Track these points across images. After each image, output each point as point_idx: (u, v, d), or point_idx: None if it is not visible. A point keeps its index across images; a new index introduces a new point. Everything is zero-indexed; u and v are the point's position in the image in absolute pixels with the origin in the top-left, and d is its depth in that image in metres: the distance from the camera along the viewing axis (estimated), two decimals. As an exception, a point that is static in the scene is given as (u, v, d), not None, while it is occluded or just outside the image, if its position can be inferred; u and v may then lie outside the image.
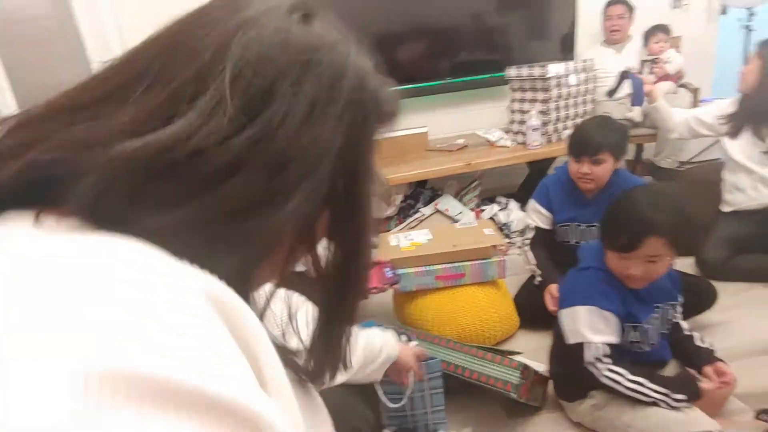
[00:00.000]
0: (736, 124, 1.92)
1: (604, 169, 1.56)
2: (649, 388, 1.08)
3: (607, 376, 1.10)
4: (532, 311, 1.68)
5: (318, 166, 0.34)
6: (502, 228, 2.54)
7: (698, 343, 1.23)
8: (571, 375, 1.21)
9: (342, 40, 0.38)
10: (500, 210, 2.65)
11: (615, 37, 2.90)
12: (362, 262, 0.41)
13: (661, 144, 2.74)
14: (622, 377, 1.09)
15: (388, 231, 2.62)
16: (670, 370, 1.25)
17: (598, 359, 1.11)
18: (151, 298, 0.23)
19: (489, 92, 3.08)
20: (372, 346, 0.89)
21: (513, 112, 2.69)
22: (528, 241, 1.83)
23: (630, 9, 2.85)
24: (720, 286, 1.84)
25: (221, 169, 0.30)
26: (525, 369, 1.23)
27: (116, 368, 0.20)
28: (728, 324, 1.63)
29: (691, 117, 2.12)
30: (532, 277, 1.77)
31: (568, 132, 2.58)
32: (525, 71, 2.51)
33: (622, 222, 1.10)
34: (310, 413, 0.42)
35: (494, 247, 1.63)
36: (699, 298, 1.58)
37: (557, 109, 2.53)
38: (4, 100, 1.80)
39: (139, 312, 0.22)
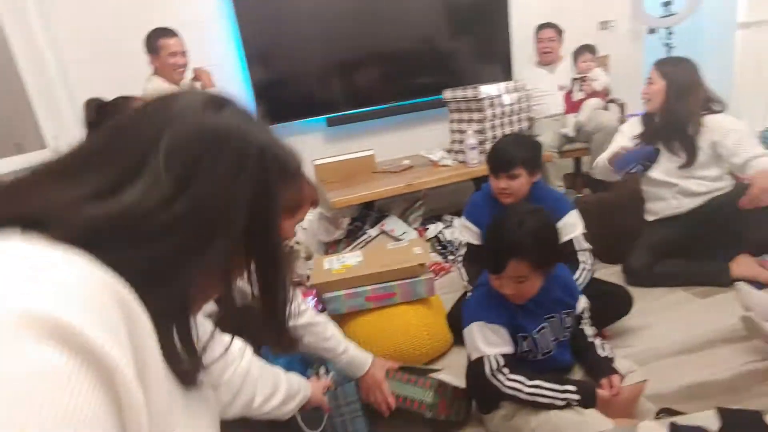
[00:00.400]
0: (647, 143, 2.01)
1: (520, 183, 1.64)
2: (546, 388, 1.13)
3: (508, 386, 1.14)
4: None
5: (232, 224, 0.45)
6: (446, 246, 2.60)
7: (599, 351, 1.27)
8: (482, 388, 1.25)
9: (246, 121, 0.50)
10: (445, 228, 2.71)
11: (547, 59, 3.05)
12: (279, 296, 0.53)
13: (595, 156, 2.85)
14: (521, 384, 1.14)
15: (336, 253, 2.65)
16: (575, 375, 1.30)
17: (498, 370, 1.15)
18: (66, 278, 0.33)
19: (434, 114, 3.18)
20: (291, 388, 0.97)
21: (453, 132, 2.78)
22: (461, 258, 1.87)
23: (559, 32, 3.01)
24: (643, 292, 1.95)
25: (160, 226, 0.41)
26: (440, 386, 1.27)
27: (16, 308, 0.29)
28: (646, 328, 1.71)
29: (607, 156, 2.10)
30: (465, 293, 1.82)
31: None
32: (459, 93, 2.62)
33: (490, 245, 1.18)
34: (188, 413, 0.50)
35: (422, 265, 1.68)
36: (615, 306, 1.66)
37: (493, 127, 2.63)
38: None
39: (51, 279, 0.32)
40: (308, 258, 2.39)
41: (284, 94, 2.99)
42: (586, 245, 1.68)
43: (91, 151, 0.45)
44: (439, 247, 2.62)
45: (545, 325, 1.22)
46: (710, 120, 1.89)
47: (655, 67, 1.98)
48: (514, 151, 1.63)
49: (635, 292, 1.93)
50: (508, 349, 1.17)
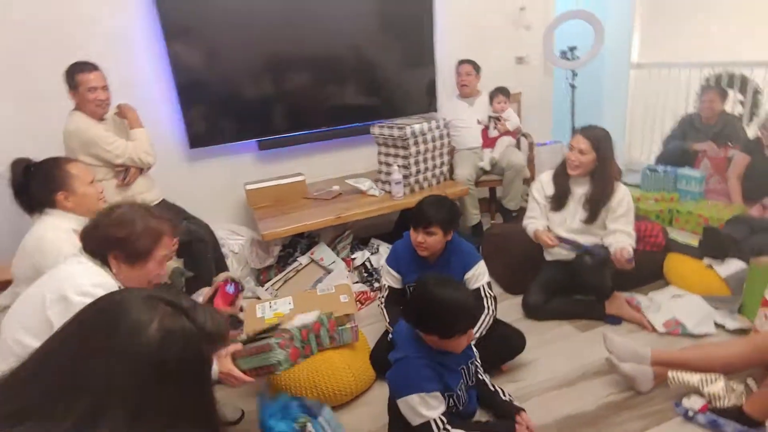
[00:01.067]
0: (559, 203, 2.29)
1: (434, 239, 1.85)
2: None
3: None
4: (387, 365, 1.92)
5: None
6: (372, 273, 2.80)
7: (503, 397, 1.57)
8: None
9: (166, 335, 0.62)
10: (371, 254, 2.90)
11: (465, 92, 3.31)
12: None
13: (506, 189, 3.19)
14: None
15: (269, 281, 2.76)
16: (478, 418, 1.57)
17: (444, 429, 1.36)
18: None
19: (363, 139, 3.33)
20: None
21: (380, 163, 2.96)
22: (383, 299, 2.06)
23: (476, 68, 3.27)
24: (537, 325, 2.28)
25: None
26: (282, 340, 1.42)
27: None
28: (535, 362, 2.02)
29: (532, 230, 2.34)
30: (387, 332, 2.02)
31: (428, 182, 2.94)
32: (386, 131, 2.79)
33: (466, 312, 1.37)
34: None
35: (347, 315, 1.86)
36: (512, 346, 1.95)
37: (417, 162, 2.85)
38: None
39: None
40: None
41: (215, 118, 2.98)
42: (491, 293, 1.94)
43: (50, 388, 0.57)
44: (366, 274, 2.81)
45: (462, 379, 1.46)
46: (617, 187, 2.20)
47: (583, 136, 2.15)
48: (433, 212, 1.84)
49: (531, 325, 2.28)
50: (443, 407, 1.39)
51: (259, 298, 2.65)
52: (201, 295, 2.19)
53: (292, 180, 3.03)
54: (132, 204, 1.35)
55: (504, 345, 1.93)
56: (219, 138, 3.03)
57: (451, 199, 1.97)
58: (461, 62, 3.29)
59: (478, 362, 1.63)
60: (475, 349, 1.64)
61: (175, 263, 2.28)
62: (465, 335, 1.38)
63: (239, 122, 3.06)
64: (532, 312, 2.33)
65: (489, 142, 3.24)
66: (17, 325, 1.24)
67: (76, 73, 2.18)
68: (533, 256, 2.49)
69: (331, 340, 1.58)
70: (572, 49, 3.59)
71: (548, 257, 2.41)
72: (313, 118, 3.26)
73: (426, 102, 3.50)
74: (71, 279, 1.21)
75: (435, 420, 1.36)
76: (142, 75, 2.78)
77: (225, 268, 2.66)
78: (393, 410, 1.51)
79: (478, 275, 1.93)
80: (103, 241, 1.26)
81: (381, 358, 1.95)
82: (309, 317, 1.55)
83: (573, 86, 3.69)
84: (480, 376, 1.62)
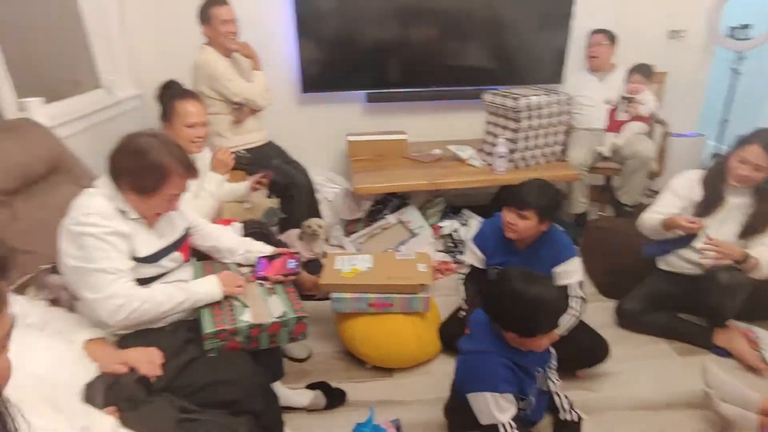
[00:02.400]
0: (707, 210, 1.93)
1: (526, 225, 1.70)
2: None
3: None
4: (453, 340, 1.88)
5: None
6: (458, 245, 2.72)
7: (563, 415, 1.45)
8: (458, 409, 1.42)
9: None
10: (461, 225, 2.81)
11: (594, 63, 2.96)
12: None
13: (624, 180, 2.85)
14: None
15: (355, 233, 2.82)
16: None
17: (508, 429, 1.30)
18: None
19: (475, 104, 3.16)
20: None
21: (487, 133, 2.80)
22: (463, 276, 1.99)
23: (611, 38, 2.89)
24: (627, 335, 2.07)
25: None
26: (223, 334, 1.30)
27: None
28: (617, 375, 1.84)
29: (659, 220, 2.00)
30: (460, 308, 1.97)
31: (535, 161, 2.73)
32: (499, 99, 2.60)
33: (549, 311, 1.27)
34: None
35: (422, 285, 1.83)
36: (591, 354, 1.79)
37: (526, 138, 2.64)
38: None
39: None
40: (327, 239, 2.55)
41: (330, 64, 3.02)
42: (580, 293, 1.77)
43: None
44: (451, 245, 2.74)
45: (535, 384, 1.37)
46: None
47: (764, 149, 1.79)
48: (533, 195, 1.68)
49: (622, 334, 2.08)
50: (514, 410, 1.30)
51: (343, 248, 2.72)
52: (289, 236, 2.31)
53: (394, 137, 3.00)
54: (156, 136, 1.32)
55: (584, 351, 1.78)
56: (331, 85, 3.07)
57: (556, 188, 1.78)
58: (594, 31, 2.93)
59: (554, 365, 1.51)
60: (553, 351, 1.52)
61: (270, 203, 2.41)
62: (547, 335, 1.29)
63: (353, 71, 3.07)
64: (626, 320, 2.11)
65: (615, 126, 2.89)
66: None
67: (210, 6, 2.31)
68: (641, 261, 2.23)
69: (290, 340, 1.43)
70: (744, 27, 3.00)
71: (663, 266, 2.12)
72: (427, 76, 3.17)
73: (550, 72, 3.20)
74: (73, 211, 1.25)
75: (504, 425, 1.28)
76: (266, 14, 2.87)
77: (317, 214, 2.76)
78: (456, 395, 1.47)
79: (570, 272, 1.77)
80: (118, 167, 1.27)
81: (450, 333, 1.92)
82: (274, 311, 1.40)
83: (737, 72, 3.10)
84: (552, 380, 1.50)
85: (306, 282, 1.90)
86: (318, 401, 1.68)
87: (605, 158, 2.91)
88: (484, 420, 1.30)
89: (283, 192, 2.50)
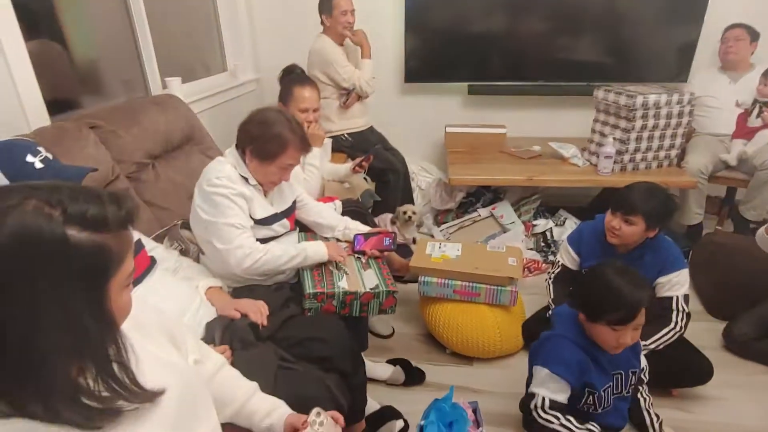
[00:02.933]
0: None
1: (633, 230, 1.61)
2: (575, 426, 1.27)
3: (543, 418, 1.29)
4: (536, 338, 1.85)
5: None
6: (551, 245, 2.64)
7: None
8: (530, 421, 1.42)
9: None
10: (555, 225, 2.72)
11: (728, 59, 2.67)
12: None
13: (751, 194, 2.56)
14: (556, 419, 1.28)
15: (445, 223, 2.85)
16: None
17: (541, 408, 1.30)
18: None
19: (581, 101, 3.03)
20: (246, 407, 0.96)
21: (593, 132, 2.66)
22: (553, 274, 1.94)
23: (751, 33, 2.59)
24: (736, 361, 1.89)
25: None
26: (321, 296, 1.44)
27: None
28: (717, 401, 1.69)
29: None
30: (547, 308, 1.92)
31: (646, 164, 2.55)
32: (612, 96, 2.46)
33: (619, 299, 1.22)
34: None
35: (511, 278, 1.82)
36: (692, 374, 1.65)
37: (639, 139, 2.47)
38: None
39: None
40: (419, 225, 2.62)
41: (434, 55, 3.06)
42: (685, 308, 1.65)
43: None
44: (543, 244, 2.67)
45: (611, 383, 1.33)
46: None
47: None
48: (642, 200, 1.58)
49: (729, 359, 1.90)
50: (560, 398, 1.30)
51: (432, 236, 2.77)
52: (383, 220, 2.40)
53: (492, 131, 2.97)
54: (281, 111, 1.48)
55: (683, 369, 1.65)
56: (434, 76, 3.11)
57: (669, 193, 1.66)
58: (731, 26, 2.64)
59: (645, 378, 1.44)
60: (645, 363, 1.45)
61: (367, 185, 2.52)
62: (615, 332, 1.24)
63: (456, 63, 3.07)
64: (734, 344, 1.92)
65: (745, 132, 2.59)
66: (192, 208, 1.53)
67: None
68: (759, 283, 2.01)
69: (380, 311, 1.52)
70: None
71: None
72: (531, 70, 3.08)
73: (675, 69, 2.95)
74: (205, 174, 1.43)
75: (539, 396, 1.31)
76: (379, 6, 2.97)
77: (410, 201, 2.83)
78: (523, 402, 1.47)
79: (675, 283, 1.65)
80: (244, 133, 1.45)
81: (533, 331, 1.89)
82: (368, 283, 1.50)
83: None
84: (642, 395, 1.43)
85: (396, 263, 1.98)
86: (397, 376, 1.76)
87: (729, 167, 2.63)
88: (531, 387, 1.35)
89: (380, 176, 2.60)
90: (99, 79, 2.05)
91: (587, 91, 2.77)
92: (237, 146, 1.49)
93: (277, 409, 0.95)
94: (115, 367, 0.60)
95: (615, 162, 2.50)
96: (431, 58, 3.07)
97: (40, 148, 1.02)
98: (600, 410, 1.35)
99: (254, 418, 0.94)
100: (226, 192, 1.38)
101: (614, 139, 2.48)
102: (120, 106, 1.76)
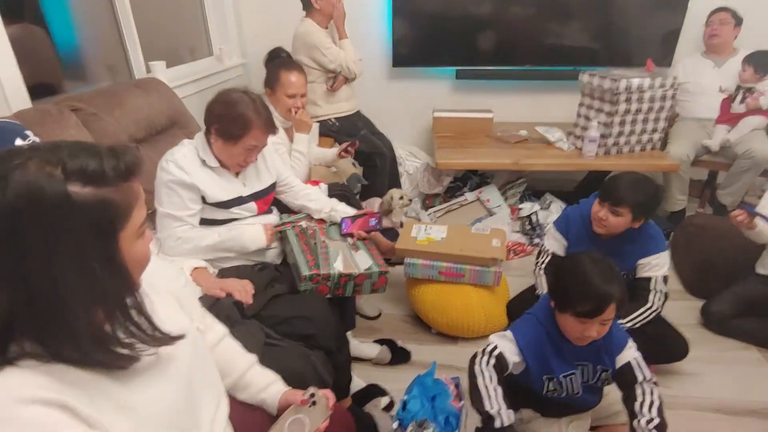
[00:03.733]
0: None
1: (619, 221, 1.62)
2: (489, 396, 1.19)
3: (479, 366, 1.24)
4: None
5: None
6: (536, 228, 2.67)
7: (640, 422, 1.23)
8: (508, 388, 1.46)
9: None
10: (541, 209, 2.75)
11: (713, 42, 2.70)
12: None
13: (730, 180, 2.61)
14: (482, 378, 1.21)
15: (432, 207, 2.88)
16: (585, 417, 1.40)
17: (485, 353, 1.25)
18: None
19: (566, 85, 3.05)
20: (245, 378, 0.98)
21: (579, 116, 2.69)
22: (543, 264, 1.92)
23: (736, 17, 2.62)
24: (712, 338, 1.95)
25: None
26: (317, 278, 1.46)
27: None
28: (695, 376, 1.74)
29: None
30: (531, 288, 1.95)
31: (629, 148, 2.59)
32: (597, 80, 2.48)
33: (588, 291, 1.17)
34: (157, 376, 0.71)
35: (494, 259, 1.85)
36: (668, 351, 1.70)
37: (622, 123, 2.50)
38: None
39: None
40: (405, 211, 2.63)
41: (421, 39, 3.05)
42: (663, 289, 1.67)
43: None
44: (528, 227, 2.70)
45: (574, 372, 1.29)
46: None
47: None
48: (629, 192, 1.59)
49: (707, 336, 1.95)
50: (512, 359, 1.25)
51: (419, 220, 2.79)
52: (370, 204, 2.42)
53: (479, 115, 2.98)
54: (248, 92, 1.45)
55: (658, 346, 1.68)
56: (421, 60, 3.11)
57: (657, 184, 1.66)
58: (716, 10, 2.67)
59: (639, 362, 1.32)
60: (633, 352, 1.33)
61: (354, 170, 2.53)
62: (581, 324, 1.18)
63: (444, 47, 3.07)
64: (712, 322, 1.97)
65: (728, 118, 2.63)
66: None
67: None
68: (735, 263, 2.06)
69: (372, 291, 1.56)
70: None
71: (762, 271, 1.95)
72: (519, 55, 3.09)
73: (659, 54, 2.97)
74: (166, 155, 1.43)
75: (495, 344, 1.27)
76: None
77: (397, 185, 2.85)
78: None
79: (654, 265, 1.67)
80: (209, 113, 1.43)
81: (517, 311, 1.89)
82: (361, 264, 1.53)
83: None
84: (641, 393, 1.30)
85: (382, 245, 2.00)
86: (384, 355, 1.79)
87: (712, 153, 2.67)
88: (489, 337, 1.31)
89: (367, 161, 2.61)
90: (82, 63, 2.03)
91: (574, 75, 2.78)
92: (205, 125, 1.47)
93: (273, 384, 0.97)
94: (133, 313, 0.64)
95: (599, 146, 2.54)
96: (419, 43, 3.07)
97: (28, 132, 1.01)
98: (563, 395, 1.35)
99: (250, 390, 0.96)
100: (167, 179, 1.39)
101: (599, 123, 2.51)
102: (102, 90, 1.74)
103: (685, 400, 1.66)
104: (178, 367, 0.72)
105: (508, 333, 1.31)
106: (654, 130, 2.61)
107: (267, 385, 0.96)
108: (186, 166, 1.40)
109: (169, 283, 0.84)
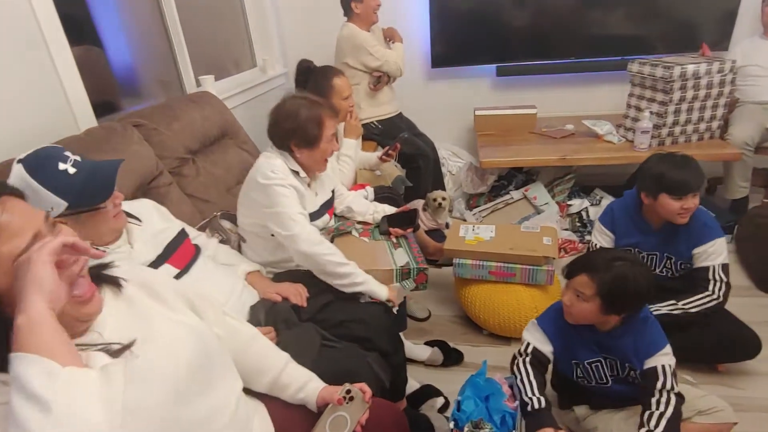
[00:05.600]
0: None
1: (697, 201, 1.57)
2: (524, 390, 1.25)
3: (516, 366, 1.30)
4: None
5: None
6: (586, 224, 2.59)
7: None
8: (560, 386, 1.43)
9: None
10: (591, 205, 2.66)
11: None
12: None
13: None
14: (522, 377, 1.27)
15: (477, 207, 2.84)
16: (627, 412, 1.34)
17: (521, 353, 1.31)
18: None
19: (614, 75, 2.95)
20: (281, 378, 0.99)
21: (629, 107, 2.59)
22: None
23: None
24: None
25: None
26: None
27: None
28: (769, 377, 1.64)
29: None
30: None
31: (686, 137, 2.46)
32: (648, 69, 2.38)
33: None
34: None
35: (546, 257, 1.81)
36: (737, 348, 1.60)
37: (677, 111, 2.39)
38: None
39: None
40: (450, 210, 2.62)
41: (460, 38, 3.02)
42: (723, 277, 1.58)
43: None
44: (578, 224, 2.62)
45: (600, 359, 1.28)
46: None
47: None
48: (696, 173, 1.54)
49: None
50: (545, 349, 1.30)
51: (464, 221, 2.76)
52: (415, 205, 2.42)
53: (522, 111, 2.92)
54: (294, 96, 1.49)
55: (728, 344, 1.60)
56: (460, 59, 3.08)
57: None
58: None
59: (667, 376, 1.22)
60: (668, 360, 1.23)
61: (398, 171, 2.53)
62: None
63: (483, 44, 3.03)
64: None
65: (793, 98, 2.46)
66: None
67: None
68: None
69: (414, 288, 1.58)
70: None
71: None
72: (561, 47, 3.01)
73: (715, 38, 2.82)
74: (258, 168, 1.45)
75: (527, 341, 1.34)
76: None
77: (441, 186, 2.83)
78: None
79: (711, 253, 1.59)
80: (281, 134, 1.46)
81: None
82: (399, 261, 1.56)
83: None
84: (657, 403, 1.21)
85: (430, 247, 2.00)
86: (436, 357, 1.79)
87: (779, 137, 2.51)
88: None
89: (410, 163, 2.61)
90: (137, 81, 2.14)
91: (620, 65, 2.68)
92: (278, 147, 1.50)
93: (310, 382, 0.98)
94: None
95: (652, 137, 2.43)
96: (457, 42, 3.05)
97: (67, 153, 1.01)
98: (594, 384, 1.32)
99: (289, 390, 0.97)
100: (283, 182, 1.41)
101: (651, 113, 2.41)
102: (159, 106, 1.84)
103: (757, 402, 1.56)
104: (174, 363, 0.71)
105: (534, 322, 1.37)
106: (712, 118, 2.47)
107: (304, 384, 0.98)
108: (289, 175, 1.45)
109: (177, 286, 0.86)
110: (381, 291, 1.44)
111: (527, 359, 1.30)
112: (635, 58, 2.51)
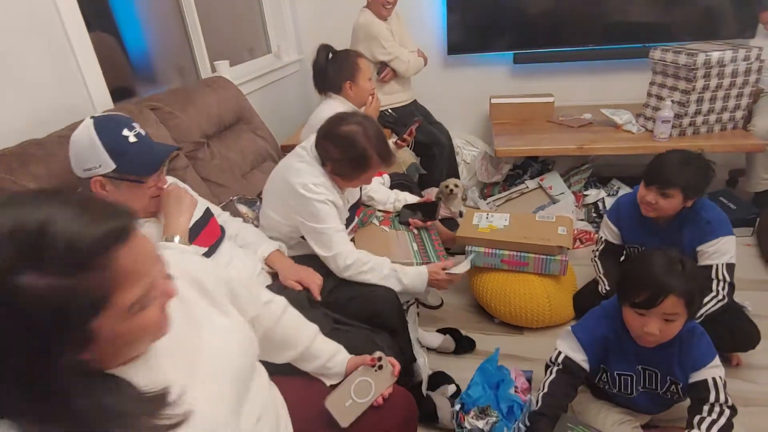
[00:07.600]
0: None
1: (670, 203, 1.52)
2: (543, 398, 1.24)
3: (544, 380, 1.28)
4: (587, 310, 1.81)
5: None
6: (603, 215, 2.54)
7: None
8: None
9: None
10: (608, 196, 2.62)
11: None
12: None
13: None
14: (547, 383, 1.26)
15: (491, 196, 2.82)
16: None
17: (553, 362, 1.29)
18: None
19: (634, 63, 2.89)
20: (311, 350, 1.01)
21: (650, 95, 2.53)
22: (598, 252, 1.85)
23: None
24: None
25: None
26: None
27: None
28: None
29: None
30: (595, 281, 1.87)
31: (707, 128, 2.41)
32: (671, 56, 2.32)
33: (643, 279, 1.11)
34: None
35: (560, 247, 1.78)
36: (734, 338, 1.57)
37: (700, 101, 2.33)
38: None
39: None
40: (464, 199, 2.60)
41: (476, 25, 2.98)
42: (727, 278, 1.53)
43: None
44: (595, 215, 2.58)
45: (631, 374, 1.24)
46: None
47: None
48: (677, 172, 1.48)
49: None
50: (577, 357, 1.25)
51: (478, 209, 2.74)
52: (428, 194, 2.41)
53: (539, 100, 2.88)
54: (361, 123, 1.37)
55: (728, 333, 1.55)
56: (477, 46, 3.04)
57: (704, 158, 1.52)
58: None
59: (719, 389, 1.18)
60: (691, 380, 1.19)
61: (413, 159, 2.52)
62: (639, 317, 1.12)
63: (499, 31, 2.99)
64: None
65: (822, 87, 2.38)
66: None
67: None
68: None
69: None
70: None
71: None
72: (580, 34, 2.94)
73: (739, 25, 2.73)
74: (299, 173, 1.39)
75: (559, 350, 1.29)
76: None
77: (456, 175, 2.81)
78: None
79: (715, 251, 1.54)
80: (325, 151, 1.40)
81: (584, 302, 1.85)
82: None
83: None
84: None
85: (442, 235, 1.99)
86: (448, 344, 1.78)
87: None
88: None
89: (425, 151, 2.59)
90: (152, 66, 2.15)
91: (641, 53, 2.62)
92: (320, 156, 1.44)
93: (338, 354, 1.01)
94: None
95: (673, 126, 2.37)
96: (474, 29, 3.00)
97: (135, 124, 1.08)
98: (616, 391, 1.29)
99: (320, 359, 0.99)
100: (324, 199, 1.38)
101: (672, 102, 2.35)
102: (175, 90, 1.85)
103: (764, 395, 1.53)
104: (223, 367, 0.71)
105: (569, 330, 1.31)
106: (736, 108, 2.40)
107: (334, 354, 1.01)
108: (330, 189, 1.41)
109: (222, 278, 0.83)
110: (421, 278, 1.44)
111: (555, 371, 1.28)
112: (657, 46, 2.44)
